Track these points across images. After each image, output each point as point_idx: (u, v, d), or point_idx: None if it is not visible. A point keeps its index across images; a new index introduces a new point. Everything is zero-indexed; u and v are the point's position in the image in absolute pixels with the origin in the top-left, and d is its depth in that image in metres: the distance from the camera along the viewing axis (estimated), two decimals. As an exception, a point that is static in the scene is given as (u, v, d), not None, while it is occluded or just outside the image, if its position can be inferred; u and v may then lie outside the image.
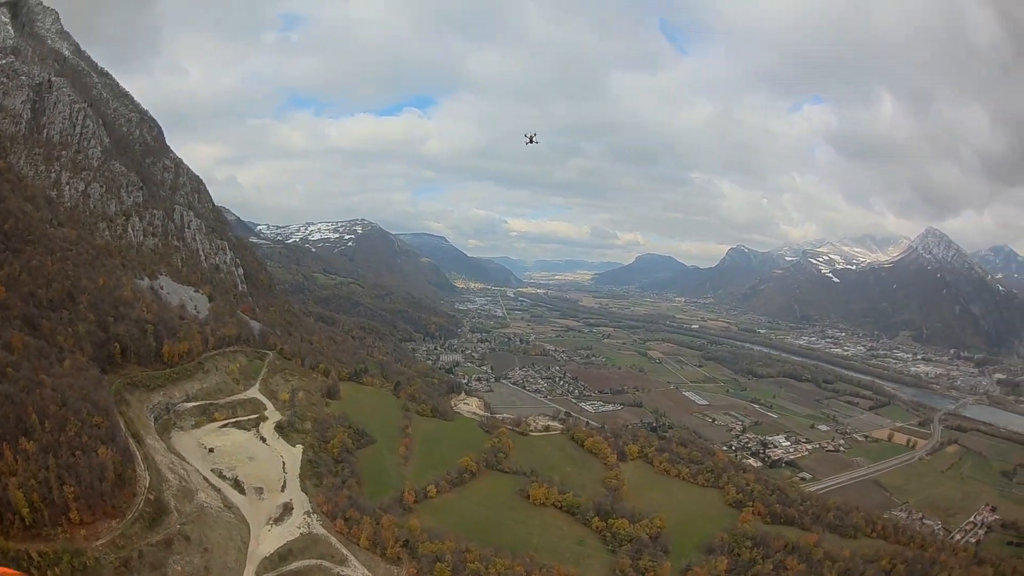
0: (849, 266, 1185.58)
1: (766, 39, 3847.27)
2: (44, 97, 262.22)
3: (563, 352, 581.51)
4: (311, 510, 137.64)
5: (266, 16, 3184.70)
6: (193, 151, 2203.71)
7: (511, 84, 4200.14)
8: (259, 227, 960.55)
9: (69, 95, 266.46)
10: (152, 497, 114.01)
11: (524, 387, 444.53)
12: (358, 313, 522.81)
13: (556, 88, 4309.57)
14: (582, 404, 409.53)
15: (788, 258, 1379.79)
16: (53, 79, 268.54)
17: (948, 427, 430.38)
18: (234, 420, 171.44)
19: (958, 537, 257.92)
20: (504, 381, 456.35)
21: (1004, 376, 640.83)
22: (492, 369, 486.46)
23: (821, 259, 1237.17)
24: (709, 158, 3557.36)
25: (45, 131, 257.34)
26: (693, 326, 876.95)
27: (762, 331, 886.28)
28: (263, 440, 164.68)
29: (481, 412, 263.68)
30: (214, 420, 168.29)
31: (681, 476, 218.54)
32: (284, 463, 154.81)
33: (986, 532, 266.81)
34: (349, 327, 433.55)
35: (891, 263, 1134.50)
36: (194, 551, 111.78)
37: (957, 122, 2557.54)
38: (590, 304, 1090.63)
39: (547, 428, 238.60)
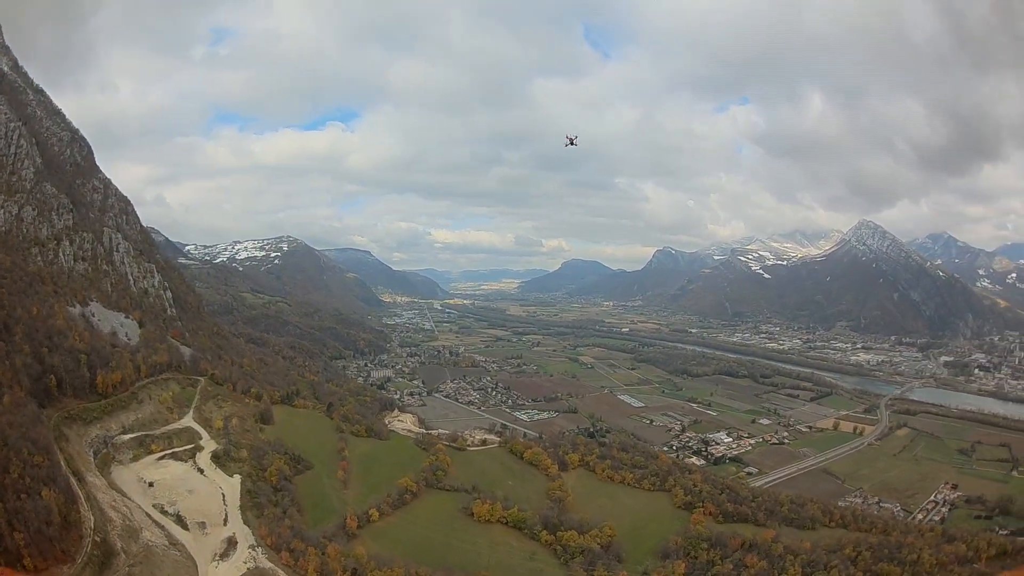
0: (780, 262, 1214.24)
1: (691, 42, 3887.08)
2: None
3: (494, 362, 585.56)
4: (255, 543, 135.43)
5: (196, 30, 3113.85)
6: (123, 171, 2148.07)
7: (433, 95, 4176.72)
8: (188, 247, 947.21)
9: (5, 113, 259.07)
10: (99, 539, 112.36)
11: (457, 400, 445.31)
12: (287, 332, 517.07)
13: (478, 97, 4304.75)
14: (517, 414, 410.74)
15: (716, 257, 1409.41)
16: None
17: (896, 412, 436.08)
18: (171, 451, 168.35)
19: (920, 517, 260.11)
20: (437, 395, 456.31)
21: (951, 358, 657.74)
22: (424, 383, 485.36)
23: (750, 256, 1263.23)
24: (632, 162, 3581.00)
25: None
26: (623, 329, 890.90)
27: (694, 331, 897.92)
28: (200, 471, 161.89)
29: (416, 429, 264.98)
30: (151, 452, 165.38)
31: (626, 482, 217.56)
32: (224, 495, 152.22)
33: (950, 509, 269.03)
34: (279, 347, 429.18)
35: (823, 256, 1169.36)
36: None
37: (891, 116, 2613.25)
38: (518, 313, 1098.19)
39: (484, 442, 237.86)
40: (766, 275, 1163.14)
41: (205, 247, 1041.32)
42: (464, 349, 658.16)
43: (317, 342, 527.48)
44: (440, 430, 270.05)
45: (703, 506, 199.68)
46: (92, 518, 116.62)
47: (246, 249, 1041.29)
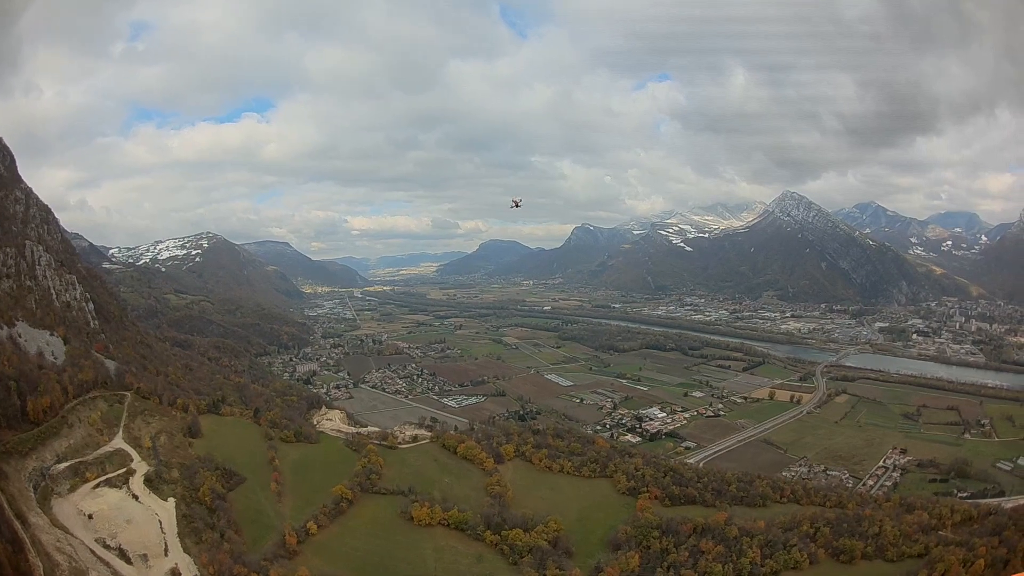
0: (702, 234, 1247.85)
1: (610, 20, 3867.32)
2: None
3: (417, 348, 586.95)
4: (198, 573, 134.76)
5: (116, 25, 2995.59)
6: (46, 176, 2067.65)
7: (348, 81, 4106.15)
8: (111, 251, 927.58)
9: None
10: None
11: (384, 390, 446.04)
12: (211, 332, 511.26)
13: (394, 82, 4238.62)
14: (444, 400, 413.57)
15: (636, 231, 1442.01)
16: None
17: (833, 379, 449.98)
18: (105, 478, 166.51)
19: (870, 483, 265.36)
20: (363, 386, 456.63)
21: (887, 324, 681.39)
22: (349, 374, 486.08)
23: (671, 230, 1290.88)
24: (549, 141, 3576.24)
25: None
26: (545, 308, 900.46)
27: (617, 306, 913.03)
28: (135, 497, 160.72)
29: (345, 427, 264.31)
30: (87, 480, 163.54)
31: (565, 470, 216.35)
32: (161, 521, 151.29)
33: (901, 474, 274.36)
34: (204, 348, 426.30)
35: (747, 228, 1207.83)
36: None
37: (818, 90, 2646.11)
38: (438, 296, 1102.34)
39: (415, 438, 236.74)
40: (688, 248, 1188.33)
41: (128, 249, 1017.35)
42: (387, 336, 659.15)
43: (241, 340, 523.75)
44: (370, 427, 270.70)
45: (648, 491, 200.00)
46: (41, 565, 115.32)
47: (167, 249, 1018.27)
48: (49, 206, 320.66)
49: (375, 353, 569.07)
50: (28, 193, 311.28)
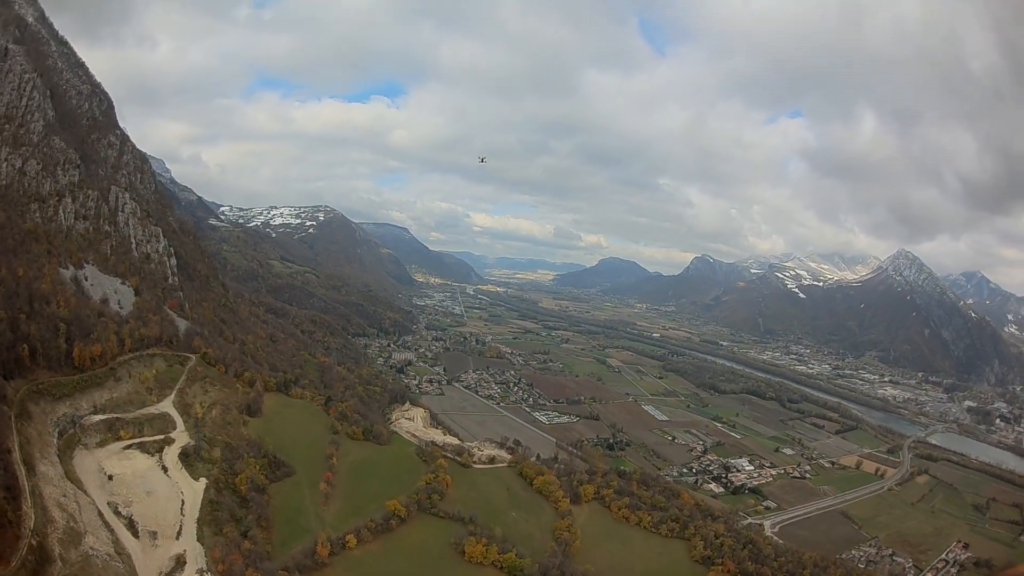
0: (816, 282, 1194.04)
1: (748, 45, 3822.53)
2: None
3: (519, 356, 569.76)
4: (205, 568, 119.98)
5: None
6: (159, 128, 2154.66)
7: (483, 77, 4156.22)
8: (222, 208, 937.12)
9: (22, 64, 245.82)
10: (35, 543, 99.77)
11: (477, 392, 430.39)
12: (311, 305, 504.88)
13: (528, 83, 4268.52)
14: (536, 414, 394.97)
15: (754, 270, 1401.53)
16: (10, 47, 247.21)
17: (918, 456, 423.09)
18: (139, 440, 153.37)
19: (930, 575, 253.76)
20: (456, 384, 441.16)
21: (974, 404, 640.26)
22: (445, 370, 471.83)
23: (787, 273, 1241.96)
24: (679, 164, 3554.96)
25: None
26: (654, 335, 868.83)
27: (725, 343, 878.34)
28: (165, 470, 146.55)
29: (423, 431, 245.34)
30: (119, 439, 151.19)
31: (642, 524, 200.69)
32: (183, 501, 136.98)
33: (958, 571, 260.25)
34: (300, 320, 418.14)
35: (859, 282, 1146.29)
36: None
37: (942, 146, 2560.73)
38: (550, 306, 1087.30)
39: (493, 459, 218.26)
40: (801, 294, 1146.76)
41: (241, 209, 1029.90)
42: (491, 338, 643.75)
43: (341, 317, 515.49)
44: (448, 437, 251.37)
45: (722, 563, 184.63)
46: (34, 517, 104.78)
47: (281, 215, 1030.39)
48: (157, 156, 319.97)
49: (476, 353, 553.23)
50: (124, 140, 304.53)
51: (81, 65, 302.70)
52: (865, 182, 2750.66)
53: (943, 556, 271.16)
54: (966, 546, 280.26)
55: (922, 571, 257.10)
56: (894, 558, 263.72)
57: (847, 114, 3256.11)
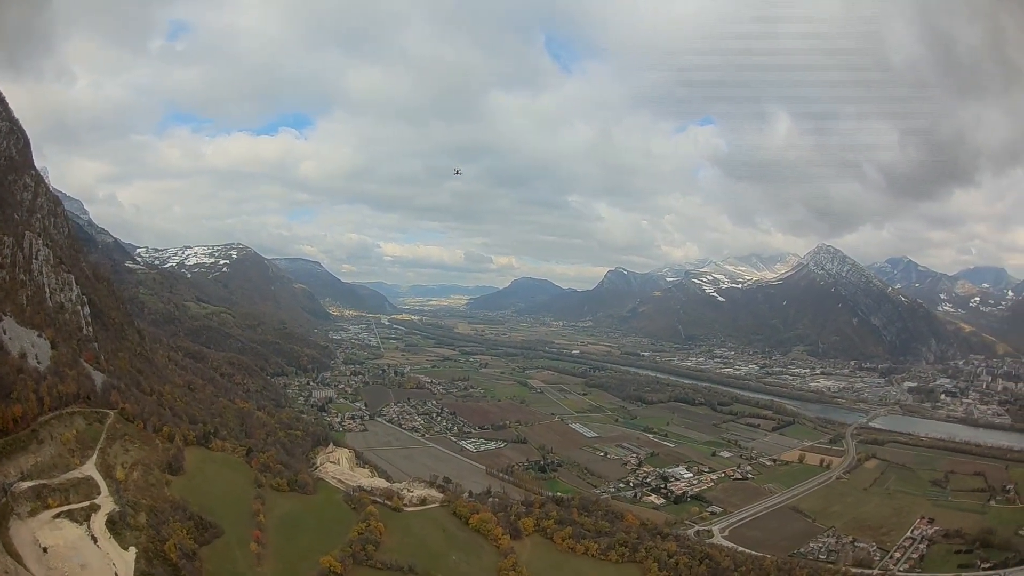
0: (735, 284, 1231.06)
1: (656, 58, 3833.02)
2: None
3: (439, 384, 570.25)
4: None
5: (155, 21, 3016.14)
6: (76, 166, 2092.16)
7: (388, 104, 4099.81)
8: (139, 249, 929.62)
9: None
10: None
11: (400, 425, 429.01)
12: (229, 346, 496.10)
13: (434, 108, 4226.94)
14: (462, 443, 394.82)
15: (669, 279, 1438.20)
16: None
17: (863, 442, 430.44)
18: (67, 508, 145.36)
19: (897, 555, 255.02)
20: (379, 419, 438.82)
21: (915, 384, 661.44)
22: (367, 405, 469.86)
23: (704, 279, 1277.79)
24: (587, 181, 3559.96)
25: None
26: (574, 351, 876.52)
27: (646, 354, 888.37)
28: (94, 540, 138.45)
29: (349, 475, 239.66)
30: (48, 507, 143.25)
31: (590, 552, 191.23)
32: (116, 574, 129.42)
33: (928, 546, 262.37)
34: (218, 363, 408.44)
35: (780, 280, 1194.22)
36: None
37: (862, 140, 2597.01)
38: (466, 331, 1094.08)
39: (424, 500, 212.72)
40: (720, 298, 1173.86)
41: (156, 251, 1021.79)
42: (410, 369, 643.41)
43: (259, 357, 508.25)
44: (375, 479, 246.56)
45: None
46: None
47: (196, 255, 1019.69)
48: (76, 197, 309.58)
49: (396, 385, 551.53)
50: (39, 181, 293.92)
51: (1, 100, 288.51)
52: (780, 183, 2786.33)
53: (908, 534, 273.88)
54: (931, 521, 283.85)
55: (888, 552, 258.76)
56: (856, 544, 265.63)
57: (760, 118, 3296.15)
